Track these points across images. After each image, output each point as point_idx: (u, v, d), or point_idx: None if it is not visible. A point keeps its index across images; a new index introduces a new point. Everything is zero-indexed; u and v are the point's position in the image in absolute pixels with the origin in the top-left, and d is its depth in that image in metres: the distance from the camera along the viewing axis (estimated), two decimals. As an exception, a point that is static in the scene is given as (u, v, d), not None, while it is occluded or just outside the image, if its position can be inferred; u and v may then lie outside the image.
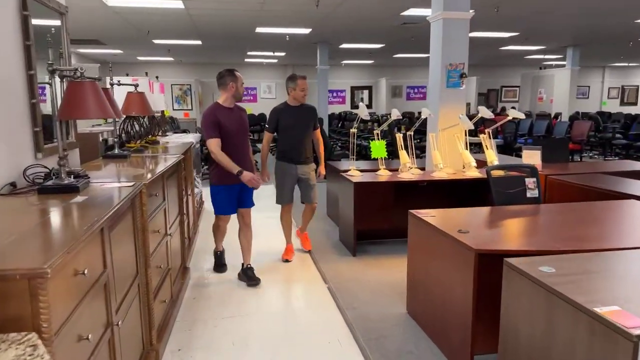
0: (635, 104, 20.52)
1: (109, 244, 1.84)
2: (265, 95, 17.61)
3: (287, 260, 4.30)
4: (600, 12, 8.21)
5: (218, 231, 3.92)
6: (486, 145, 4.78)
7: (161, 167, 2.96)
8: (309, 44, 11.92)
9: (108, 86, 3.29)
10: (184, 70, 16.95)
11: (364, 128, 12.06)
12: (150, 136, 4.96)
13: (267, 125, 4.23)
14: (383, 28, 9.66)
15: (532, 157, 5.11)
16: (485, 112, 4.56)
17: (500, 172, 3.68)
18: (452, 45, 4.87)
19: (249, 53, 13.77)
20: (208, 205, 6.25)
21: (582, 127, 9.47)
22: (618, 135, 9.99)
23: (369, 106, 18.03)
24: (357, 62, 16.89)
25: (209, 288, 3.74)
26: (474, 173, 4.56)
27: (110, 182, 2.40)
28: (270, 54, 13.80)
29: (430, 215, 2.90)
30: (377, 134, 4.80)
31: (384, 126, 4.62)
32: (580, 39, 11.97)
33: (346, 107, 17.76)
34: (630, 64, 19.52)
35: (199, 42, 11.59)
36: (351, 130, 4.66)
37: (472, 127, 4.54)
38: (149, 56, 14.66)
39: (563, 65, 17.06)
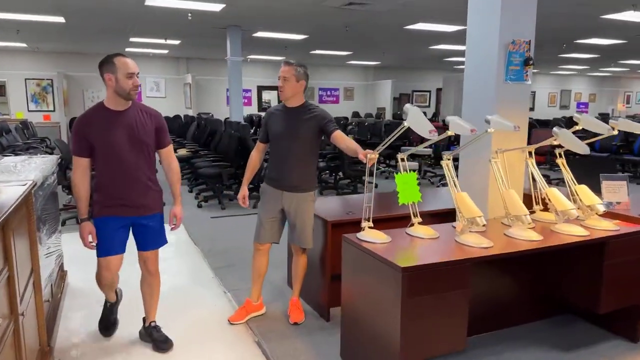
0: (532, 109, 20.97)
1: None
2: (152, 93, 14.55)
3: (231, 323, 3.01)
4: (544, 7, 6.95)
5: (101, 283, 2.68)
6: (570, 179, 2.89)
7: None
8: (216, 30, 9.38)
9: None
10: (42, 60, 13.22)
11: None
12: None
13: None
14: (316, 10, 7.55)
15: (616, 191, 3.34)
16: (596, 125, 2.65)
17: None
18: (517, 11, 2.91)
19: (132, 40, 10.77)
20: (75, 279, 3.59)
21: (543, 135, 8.23)
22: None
23: (277, 109, 15.81)
24: (266, 58, 14.58)
25: None
26: (573, 229, 2.62)
27: None
28: (162, 41, 10.94)
29: None
30: (403, 159, 2.66)
31: (422, 147, 2.47)
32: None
33: (253, 109, 15.37)
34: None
35: (61, 20, 8.43)
36: (369, 155, 2.45)
37: (588, 152, 2.60)
38: (-10, 39, 10.90)
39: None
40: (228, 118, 10.18)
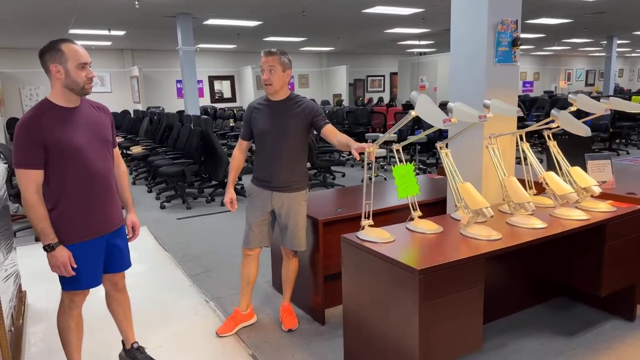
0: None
1: None
2: (97, 88, 13.71)
3: (220, 336, 2.78)
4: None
5: (69, 330, 2.21)
6: (563, 161, 2.84)
7: None
8: (165, 19, 8.87)
9: None
10: (-30, 56, 12.14)
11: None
12: None
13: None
14: (274, -5, 7.25)
15: (601, 170, 3.35)
16: (592, 105, 2.59)
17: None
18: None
19: (72, 31, 10.04)
20: (35, 299, 3.24)
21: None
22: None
23: (231, 99, 15.35)
24: (216, 47, 14.05)
25: None
26: (573, 213, 2.57)
27: None
28: (105, 32, 10.26)
29: None
30: (399, 150, 2.52)
31: (420, 137, 2.33)
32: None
33: (205, 100, 14.82)
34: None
35: (-10, 11, 7.69)
36: (368, 150, 2.27)
37: (589, 133, 2.53)
38: None
39: (433, 52, 16.66)
40: (183, 111, 9.71)
